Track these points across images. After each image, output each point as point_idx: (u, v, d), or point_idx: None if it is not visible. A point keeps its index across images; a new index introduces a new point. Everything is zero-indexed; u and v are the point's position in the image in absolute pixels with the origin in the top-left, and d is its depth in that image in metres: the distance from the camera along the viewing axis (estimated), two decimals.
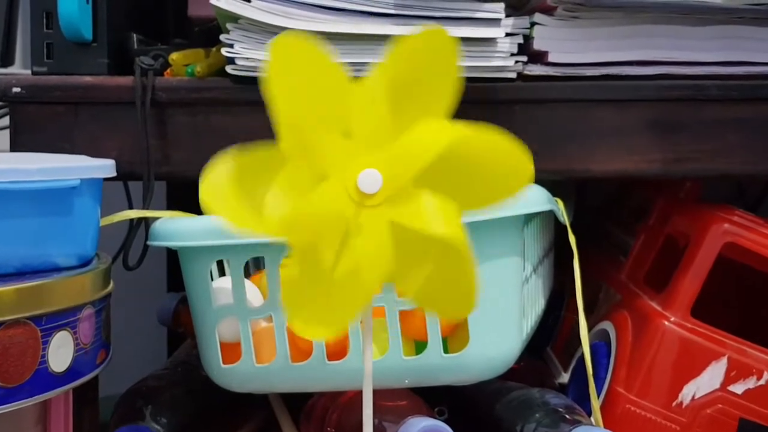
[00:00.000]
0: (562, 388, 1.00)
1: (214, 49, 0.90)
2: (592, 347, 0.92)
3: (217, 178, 0.52)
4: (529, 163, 0.51)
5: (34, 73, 0.89)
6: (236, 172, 0.52)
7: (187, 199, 0.75)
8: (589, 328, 0.95)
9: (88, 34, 0.88)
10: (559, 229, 0.86)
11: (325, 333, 0.55)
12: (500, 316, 0.75)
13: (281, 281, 0.54)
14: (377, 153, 0.51)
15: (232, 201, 0.52)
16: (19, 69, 1.11)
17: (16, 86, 0.85)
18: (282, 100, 0.50)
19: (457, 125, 0.51)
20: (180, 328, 1.18)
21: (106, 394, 0.87)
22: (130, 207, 0.91)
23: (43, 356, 0.64)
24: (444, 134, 0.51)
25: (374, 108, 0.50)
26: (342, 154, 0.51)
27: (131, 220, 0.84)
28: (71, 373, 0.67)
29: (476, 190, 0.52)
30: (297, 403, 0.92)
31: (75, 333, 0.67)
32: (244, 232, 0.52)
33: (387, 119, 0.51)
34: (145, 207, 0.84)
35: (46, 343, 0.64)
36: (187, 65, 0.87)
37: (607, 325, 0.94)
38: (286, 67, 0.50)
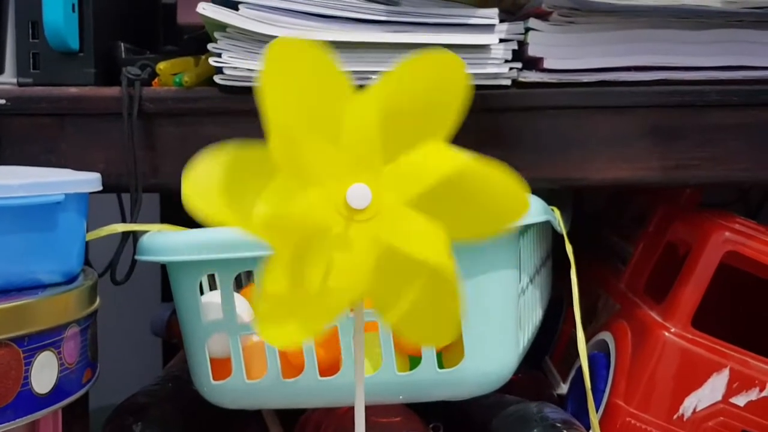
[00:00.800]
0: (560, 400, 0.98)
1: (202, 57, 0.88)
2: (591, 358, 0.90)
3: (203, 173, 0.51)
4: (525, 200, 0.50)
5: (19, 85, 0.88)
6: (223, 169, 0.51)
7: (180, 212, 0.74)
8: (588, 338, 0.94)
9: (74, 43, 0.87)
10: (557, 236, 0.85)
11: (288, 341, 0.53)
12: (496, 330, 0.73)
13: (260, 289, 0.52)
14: (370, 168, 0.49)
15: (216, 197, 0.50)
16: (9, 78, 1.09)
17: (1, 98, 0.84)
18: (275, 104, 0.49)
19: (460, 154, 0.49)
20: (173, 339, 1.17)
21: (99, 405, 0.86)
22: (123, 219, 0.89)
23: (26, 378, 0.62)
24: (445, 162, 0.49)
25: (373, 123, 0.49)
26: (333, 164, 0.49)
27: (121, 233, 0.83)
28: (56, 393, 0.65)
29: (468, 219, 0.51)
30: (291, 417, 0.90)
31: (59, 353, 0.65)
32: (226, 228, 0.51)
33: (385, 136, 0.49)
34: (133, 220, 0.83)
35: (28, 364, 0.63)
36: (175, 74, 0.86)
37: (606, 336, 0.92)
38: (282, 70, 0.48)
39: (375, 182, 0.49)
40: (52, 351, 0.65)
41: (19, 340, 0.62)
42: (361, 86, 0.48)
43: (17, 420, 0.62)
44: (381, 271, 0.50)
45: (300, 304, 0.50)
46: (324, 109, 0.49)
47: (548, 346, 1.10)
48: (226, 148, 0.50)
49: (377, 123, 0.49)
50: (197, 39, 0.96)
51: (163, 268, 1.33)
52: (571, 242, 0.81)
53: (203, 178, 0.50)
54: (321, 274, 0.49)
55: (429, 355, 0.72)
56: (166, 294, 1.35)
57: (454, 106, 0.49)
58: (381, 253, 0.49)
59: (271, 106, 0.48)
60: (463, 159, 0.49)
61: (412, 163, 0.49)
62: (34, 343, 0.63)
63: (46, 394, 0.64)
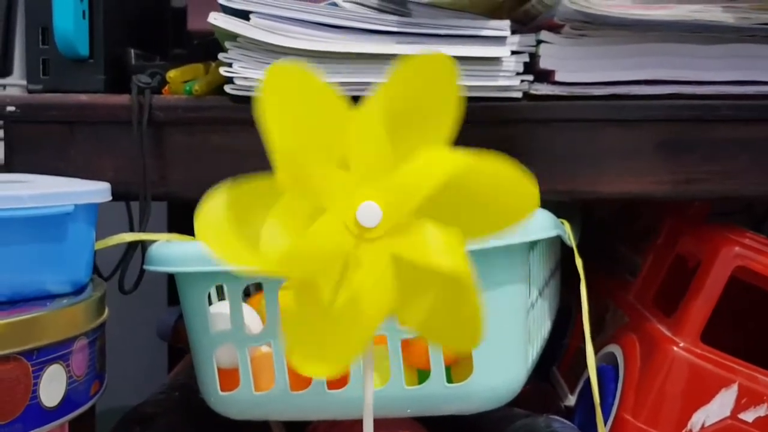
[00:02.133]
0: (568, 412, 0.98)
1: (213, 65, 0.88)
2: (599, 371, 0.90)
3: (213, 211, 0.50)
4: (534, 190, 0.49)
5: (29, 91, 0.87)
6: (232, 205, 0.50)
7: (188, 221, 0.74)
8: (596, 350, 0.94)
9: (84, 50, 0.86)
10: (566, 245, 0.85)
11: (326, 370, 0.53)
12: (505, 344, 0.73)
13: (281, 315, 0.52)
14: (376, 184, 0.49)
15: (228, 236, 0.50)
16: (17, 80, 1.09)
17: (11, 105, 0.83)
18: (277, 131, 0.48)
19: (459, 154, 0.49)
20: (179, 343, 1.17)
21: (104, 408, 0.86)
22: (131, 228, 0.89)
23: (35, 391, 0.62)
24: (445, 164, 0.49)
25: (373, 136, 0.49)
26: (340, 186, 0.49)
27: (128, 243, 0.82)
28: (64, 406, 0.65)
29: (480, 217, 0.51)
30: (298, 428, 0.90)
31: (68, 366, 0.65)
32: (241, 269, 0.51)
33: (386, 148, 0.49)
34: (142, 229, 0.82)
35: (37, 377, 0.62)
36: (185, 82, 0.85)
37: (614, 349, 0.92)
38: (281, 97, 0.48)
39: (382, 197, 0.49)
40: (60, 364, 0.64)
41: (28, 354, 0.62)
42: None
43: None
44: (401, 283, 0.49)
45: (329, 330, 0.50)
46: (324, 131, 0.49)
47: (556, 355, 1.10)
48: (236, 182, 0.49)
49: (378, 136, 0.49)
50: (207, 45, 0.95)
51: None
52: (581, 253, 0.81)
53: (215, 216, 0.50)
54: (343, 297, 0.49)
55: (438, 370, 0.72)
56: (173, 298, 1.35)
57: (450, 105, 0.48)
58: (398, 265, 0.49)
59: (274, 132, 0.48)
60: (463, 158, 0.49)
61: (414, 171, 0.49)
62: (42, 356, 0.63)
63: (54, 407, 0.64)
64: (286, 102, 0.48)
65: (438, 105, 0.49)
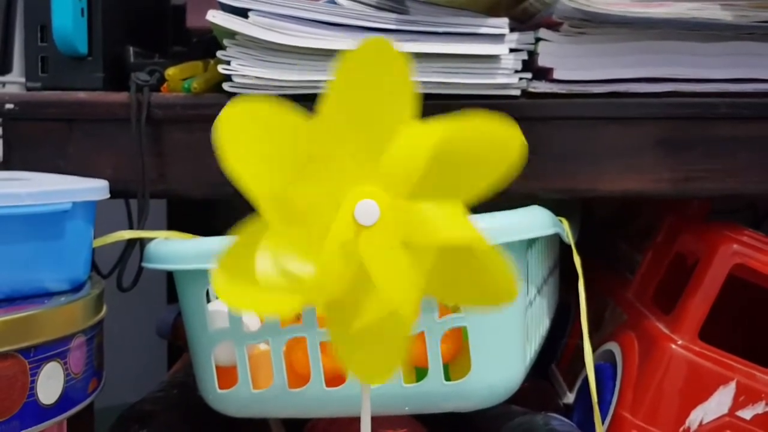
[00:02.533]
0: (567, 409, 0.98)
1: (211, 63, 0.88)
2: (597, 368, 0.90)
3: (230, 269, 0.50)
4: (515, 134, 0.49)
5: (28, 89, 0.87)
6: (242, 259, 0.50)
7: (187, 219, 0.74)
8: (595, 348, 0.94)
9: (83, 48, 0.86)
10: (566, 243, 0.84)
11: (383, 375, 0.54)
12: (503, 342, 0.73)
13: (332, 344, 0.52)
14: (363, 181, 0.49)
15: (247, 286, 0.49)
16: (16, 77, 1.09)
17: (9, 102, 0.83)
18: (249, 174, 0.48)
19: (435, 123, 0.48)
20: (179, 341, 1.17)
21: (103, 406, 0.86)
22: (130, 225, 0.89)
23: (32, 389, 0.62)
24: (427, 137, 0.48)
25: (340, 135, 0.48)
26: (329, 198, 0.49)
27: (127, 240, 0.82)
28: (61, 404, 0.65)
29: (470, 177, 0.50)
30: (296, 426, 0.90)
31: (65, 363, 0.65)
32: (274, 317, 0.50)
33: (357, 141, 0.48)
34: (141, 226, 0.82)
35: (34, 375, 0.62)
36: (184, 80, 0.85)
37: (612, 346, 0.92)
38: (242, 143, 0.47)
39: (374, 191, 0.49)
40: (58, 362, 0.64)
41: (25, 352, 0.62)
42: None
43: (24, 431, 0.62)
44: (421, 268, 0.49)
45: (375, 338, 0.50)
46: (295, 154, 0.48)
47: (555, 353, 1.10)
48: (243, 229, 0.49)
49: (345, 131, 0.48)
50: (206, 42, 0.95)
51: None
52: (579, 251, 0.81)
53: (229, 274, 0.49)
54: (376, 301, 0.49)
55: (436, 367, 0.72)
56: (172, 295, 1.35)
57: (405, 85, 0.48)
58: (412, 252, 0.49)
59: (246, 176, 0.48)
60: (442, 125, 0.48)
61: (399, 153, 0.48)
62: (40, 354, 0.63)
63: (51, 405, 0.64)
64: (247, 141, 0.47)
65: (393, 84, 0.48)
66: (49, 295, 0.69)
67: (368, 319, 0.49)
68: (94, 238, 0.76)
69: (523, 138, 0.49)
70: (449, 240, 0.48)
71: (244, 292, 0.49)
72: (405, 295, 0.49)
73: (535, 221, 0.73)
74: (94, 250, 0.76)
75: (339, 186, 0.48)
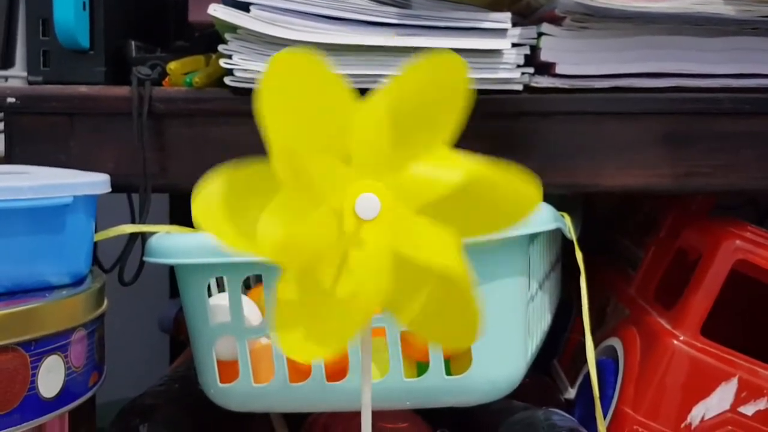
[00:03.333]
0: (568, 404, 0.98)
1: (213, 57, 0.88)
2: (599, 364, 0.90)
3: (210, 196, 0.50)
4: (536, 195, 0.49)
5: (29, 83, 0.87)
6: (230, 189, 0.50)
7: (190, 213, 0.73)
8: (596, 343, 0.94)
9: (84, 41, 0.86)
10: (568, 238, 0.84)
11: (318, 353, 0.53)
12: (504, 337, 0.73)
13: (274, 301, 0.52)
14: (377, 178, 0.49)
15: (225, 220, 0.50)
16: (19, 71, 1.09)
17: (11, 96, 0.83)
18: (276, 121, 0.48)
19: (471, 160, 0.48)
20: (181, 335, 1.17)
21: (105, 401, 0.86)
22: (132, 219, 0.89)
23: (33, 382, 0.62)
24: (458, 171, 0.48)
25: (377, 130, 0.48)
26: (339, 178, 0.49)
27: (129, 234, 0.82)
28: (62, 398, 0.65)
29: (478, 218, 0.50)
30: (298, 420, 0.90)
31: (66, 357, 0.65)
32: (236, 252, 0.50)
33: (389, 142, 0.49)
34: (142, 220, 0.82)
35: (35, 368, 0.62)
36: (185, 74, 0.85)
37: (614, 342, 0.92)
38: (282, 86, 0.47)
39: (383, 191, 0.49)
40: (58, 355, 0.64)
41: (26, 345, 0.62)
42: (368, 89, 0.48)
43: (24, 424, 0.62)
44: (396, 278, 0.49)
45: (319, 318, 0.50)
46: (327, 122, 0.48)
47: (556, 348, 1.09)
48: (234, 166, 0.49)
49: (382, 130, 0.48)
50: (208, 37, 0.95)
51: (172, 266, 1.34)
52: (581, 246, 0.81)
53: (212, 200, 0.49)
54: (341, 285, 0.49)
55: (437, 362, 0.72)
56: (174, 290, 1.35)
57: (457, 106, 0.48)
58: (393, 261, 0.49)
59: (273, 124, 0.48)
60: (474, 166, 0.48)
61: (423, 173, 0.49)
62: (41, 347, 0.63)
63: (52, 398, 0.64)
64: (287, 92, 0.48)
65: (446, 105, 0.48)
66: (51, 288, 0.69)
67: (329, 301, 0.50)
68: (96, 232, 0.76)
69: (541, 195, 0.49)
70: (433, 262, 0.48)
71: (223, 226, 0.49)
72: (372, 294, 0.49)
73: (537, 216, 0.73)
74: (96, 244, 0.76)
75: (355, 173, 0.48)
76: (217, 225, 0.50)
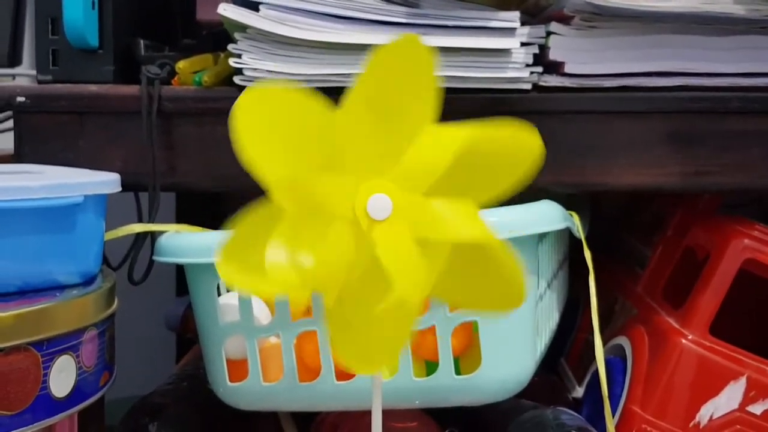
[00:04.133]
0: (576, 403, 0.98)
1: (222, 56, 0.88)
2: (607, 363, 0.90)
3: (233, 253, 0.50)
4: (536, 142, 0.49)
5: (39, 82, 0.87)
6: (248, 239, 0.50)
7: (196, 211, 0.74)
8: (604, 343, 0.94)
9: (93, 40, 0.86)
10: (575, 237, 0.85)
11: (376, 366, 0.54)
12: (513, 336, 0.73)
13: (328, 327, 0.52)
14: (379, 175, 0.49)
15: (253, 271, 0.49)
16: (27, 70, 1.10)
17: (21, 95, 0.83)
18: (264, 157, 0.48)
19: (461, 128, 0.48)
20: (188, 333, 1.18)
21: (113, 398, 0.86)
22: (140, 218, 0.89)
23: (44, 382, 0.62)
24: (452, 141, 0.48)
25: (362, 130, 0.48)
26: (344, 189, 0.49)
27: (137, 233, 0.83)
28: (74, 397, 0.65)
29: (485, 180, 0.50)
30: (306, 418, 0.90)
31: (77, 357, 0.65)
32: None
33: (378, 137, 0.48)
34: (151, 220, 0.83)
35: (47, 368, 0.63)
36: (194, 73, 0.85)
37: (623, 341, 0.92)
38: (258, 125, 0.47)
39: (389, 186, 0.49)
40: (70, 355, 0.65)
41: (37, 345, 0.62)
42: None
43: (35, 424, 0.62)
44: (429, 265, 0.49)
45: (373, 329, 0.51)
46: (313, 139, 0.48)
47: (564, 347, 1.10)
48: (240, 218, 0.49)
49: (367, 127, 0.48)
50: (216, 35, 0.95)
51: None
52: (589, 245, 0.81)
53: (235, 257, 0.49)
54: (380, 292, 0.49)
55: (446, 361, 0.72)
56: (181, 288, 1.35)
57: (429, 83, 0.48)
58: (421, 250, 0.49)
59: (261, 160, 0.47)
60: (467, 131, 0.48)
61: (419, 154, 0.49)
62: (52, 347, 0.63)
63: (63, 398, 0.64)
64: (264, 129, 0.47)
65: (418, 84, 0.48)
66: (61, 288, 0.69)
67: (376, 311, 0.49)
68: (105, 231, 0.76)
69: (541, 141, 0.49)
70: (461, 236, 0.48)
71: (252, 277, 0.49)
72: (413, 289, 0.49)
73: (545, 216, 0.73)
74: (105, 243, 0.76)
75: (355, 178, 0.48)
76: (249, 279, 0.49)
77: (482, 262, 0.50)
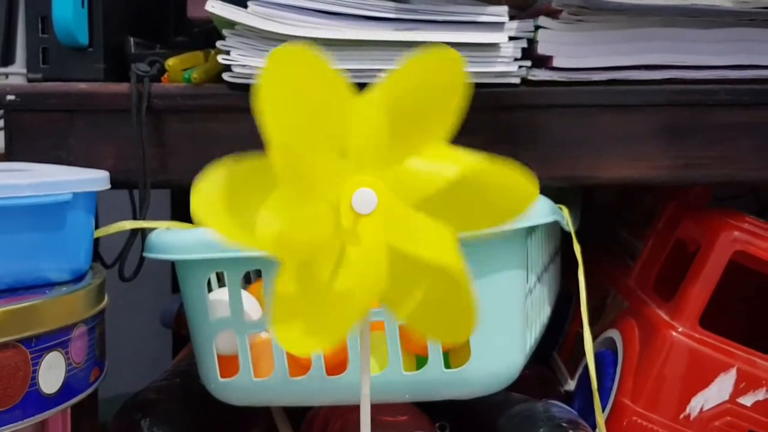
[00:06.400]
0: (568, 396, 0.98)
1: (212, 53, 0.88)
2: (598, 355, 0.90)
3: (210, 189, 0.50)
4: (534, 190, 0.49)
5: (29, 80, 0.88)
6: (229, 183, 0.50)
7: (190, 208, 0.73)
8: (596, 335, 0.94)
9: (83, 38, 0.87)
10: (567, 231, 0.85)
11: (315, 346, 0.53)
12: (503, 329, 0.74)
13: (272, 294, 0.52)
14: (374, 172, 0.49)
15: (224, 214, 0.50)
16: (19, 69, 1.09)
17: (11, 94, 0.84)
18: (274, 116, 0.48)
19: (469, 156, 0.49)
20: (183, 330, 1.17)
21: (108, 395, 0.86)
22: (134, 215, 0.89)
23: (34, 378, 0.63)
24: (456, 166, 0.49)
25: (374, 125, 0.49)
26: (337, 173, 0.49)
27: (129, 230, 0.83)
28: (63, 393, 0.66)
29: (475, 212, 0.51)
30: (298, 413, 0.90)
31: (67, 353, 0.66)
32: (235, 246, 0.51)
33: (386, 137, 0.49)
34: (142, 216, 0.83)
35: (36, 364, 0.63)
36: (184, 70, 0.86)
37: (613, 333, 0.92)
38: (281, 81, 0.47)
39: (380, 185, 0.49)
40: (59, 351, 0.65)
41: (26, 341, 0.62)
42: (366, 84, 0.48)
43: (25, 420, 0.62)
44: (393, 272, 0.50)
45: (316, 311, 0.51)
46: (325, 116, 0.48)
47: (556, 340, 1.10)
48: (234, 160, 0.49)
49: (379, 125, 0.49)
50: (207, 32, 0.95)
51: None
52: (580, 238, 0.81)
53: (211, 193, 0.50)
54: (338, 279, 0.49)
55: (436, 355, 0.72)
56: (176, 285, 1.35)
57: (454, 101, 0.48)
58: (390, 255, 0.49)
59: (271, 119, 0.48)
60: (470, 161, 0.49)
61: (419, 167, 0.49)
62: (41, 343, 0.63)
63: (53, 394, 0.65)
64: (286, 87, 0.48)
65: (443, 101, 0.48)
66: (51, 285, 0.69)
67: (326, 295, 0.50)
68: (99, 228, 0.77)
69: (538, 191, 0.49)
70: (431, 257, 0.49)
71: (222, 220, 0.49)
72: (368, 288, 0.49)
73: (534, 209, 0.73)
74: (98, 240, 0.77)
75: (352, 167, 0.49)
76: (215, 219, 0.50)
77: (442, 289, 0.50)
